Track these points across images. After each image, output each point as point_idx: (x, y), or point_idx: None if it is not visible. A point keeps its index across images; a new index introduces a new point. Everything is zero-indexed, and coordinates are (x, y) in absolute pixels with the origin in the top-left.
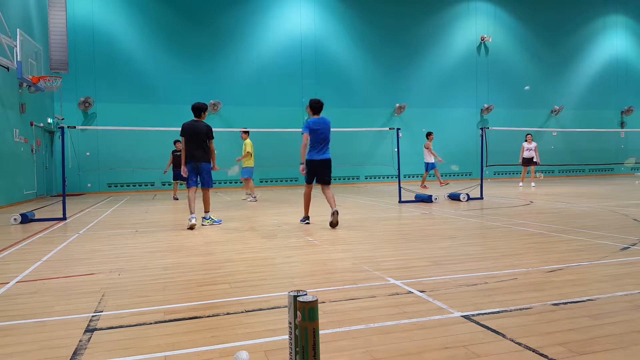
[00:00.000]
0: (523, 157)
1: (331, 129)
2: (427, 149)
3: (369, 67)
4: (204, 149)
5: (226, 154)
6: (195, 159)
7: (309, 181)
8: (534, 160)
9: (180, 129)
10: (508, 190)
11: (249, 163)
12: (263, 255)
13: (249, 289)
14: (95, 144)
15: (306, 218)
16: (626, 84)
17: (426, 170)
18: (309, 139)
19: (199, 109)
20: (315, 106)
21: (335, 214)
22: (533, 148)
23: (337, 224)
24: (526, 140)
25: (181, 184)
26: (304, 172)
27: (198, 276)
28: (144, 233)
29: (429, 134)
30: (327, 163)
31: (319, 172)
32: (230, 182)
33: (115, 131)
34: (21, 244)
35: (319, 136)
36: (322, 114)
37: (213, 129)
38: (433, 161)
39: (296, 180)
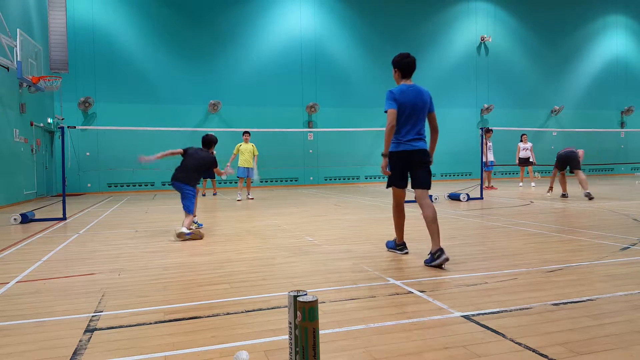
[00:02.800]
0: (519, 157)
1: (335, 129)
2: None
3: (369, 67)
4: (192, 175)
5: (227, 154)
6: (176, 179)
7: (397, 183)
8: (530, 160)
9: (178, 129)
10: (508, 190)
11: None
12: (263, 255)
13: (249, 289)
14: (95, 144)
15: (401, 245)
16: (626, 84)
17: (485, 170)
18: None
19: (210, 142)
20: (404, 63)
21: (441, 256)
22: (529, 148)
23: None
24: (521, 141)
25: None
26: (388, 170)
27: (198, 276)
28: (144, 233)
29: (487, 131)
30: (422, 155)
31: (411, 170)
32: (231, 182)
33: (115, 131)
34: (21, 244)
35: (410, 113)
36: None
37: (214, 129)
38: (490, 159)
39: (296, 181)
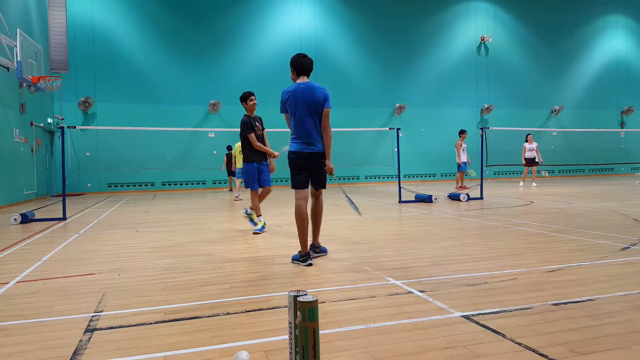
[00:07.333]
0: (525, 158)
1: (335, 129)
2: (456, 148)
3: (369, 67)
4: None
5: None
6: (258, 161)
7: (296, 185)
8: (536, 160)
9: (178, 129)
10: (508, 190)
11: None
12: (263, 255)
13: (249, 289)
14: (95, 144)
15: (305, 256)
16: (626, 84)
17: (458, 170)
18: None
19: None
20: (299, 62)
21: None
22: (534, 148)
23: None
24: (527, 141)
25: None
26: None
27: (198, 276)
28: (144, 233)
29: (460, 132)
30: (316, 157)
31: (310, 170)
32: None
33: (115, 131)
34: (21, 244)
35: (300, 113)
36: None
37: (214, 129)
38: (464, 161)
39: None
